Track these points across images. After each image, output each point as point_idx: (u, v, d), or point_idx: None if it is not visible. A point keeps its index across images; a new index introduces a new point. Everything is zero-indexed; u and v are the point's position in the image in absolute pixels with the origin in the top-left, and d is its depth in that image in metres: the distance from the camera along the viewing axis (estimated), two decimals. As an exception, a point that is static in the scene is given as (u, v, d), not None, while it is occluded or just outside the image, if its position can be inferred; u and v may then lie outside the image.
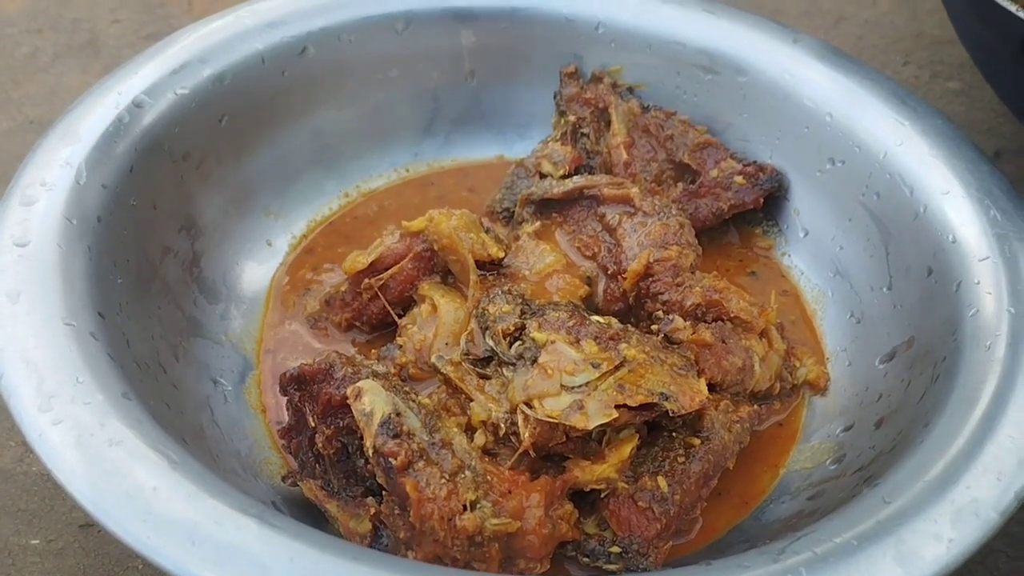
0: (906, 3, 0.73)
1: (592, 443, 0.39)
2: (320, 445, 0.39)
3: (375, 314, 0.46)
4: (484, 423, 0.39)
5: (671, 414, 0.38)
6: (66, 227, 0.40)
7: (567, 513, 0.38)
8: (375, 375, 0.39)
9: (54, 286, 0.37)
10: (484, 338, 0.41)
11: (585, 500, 0.39)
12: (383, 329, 0.46)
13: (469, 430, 0.39)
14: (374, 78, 0.54)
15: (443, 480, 0.36)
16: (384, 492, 0.37)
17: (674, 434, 0.40)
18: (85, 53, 0.71)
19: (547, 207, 0.50)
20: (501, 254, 0.45)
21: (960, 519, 0.32)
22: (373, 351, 0.45)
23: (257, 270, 0.50)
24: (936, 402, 0.37)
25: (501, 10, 0.55)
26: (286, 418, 0.40)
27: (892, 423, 0.40)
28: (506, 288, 0.43)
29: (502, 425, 0.38)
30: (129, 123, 0.45)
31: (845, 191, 0.49)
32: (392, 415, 0.37)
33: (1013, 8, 0.47)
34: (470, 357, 0.41)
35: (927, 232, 0.44)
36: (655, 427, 0.40)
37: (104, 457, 0.33)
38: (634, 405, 0.37)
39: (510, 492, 0.37)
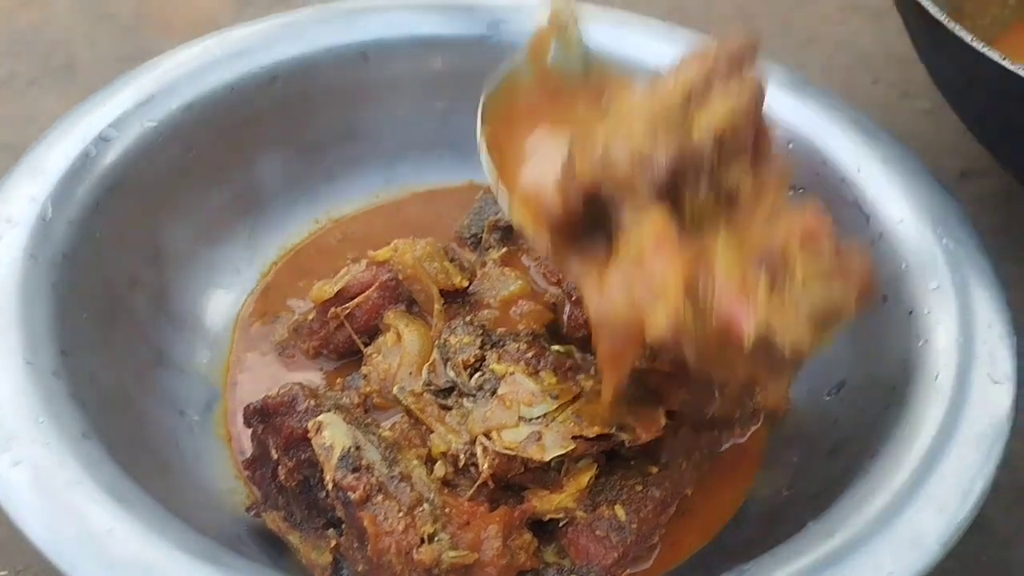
0: (877, 24, 0.74)
1: (551, 473, 0.39)
2: (283, 477, 0.39)
3: (342, 342, 0.46)
4: (444, 454, 0.39)
5: (628, 444, 0.38)
6: (30, 265, 0.40)
7: (526, 543, 0.39)
8: (338, 407, 0.40)
9: (16, 325, 0.38)
10: (445, 369, 0.41)
11: (544, 529, 0.40)
12: (350, 357, 0.47)
13: (430, 461, 0.40)
14: (344, 105, 0.55)
15: (401, 513, 0.37)
16: (344, 525, 0.38)
17: (632, 462, 0.41)
18: (61, 78, 0.71)
19: (514, 233, 0.51)
20: (465, 283, 0.46)
21: (901, 552, 0.33)
22: (339, 380, 0.45)
23: (226, 298, 0.50)
24: (884, 432, 0.38)
25: (470, 38, 0.56)
26: (250, 449, 0.41)
27: (844, 452, 0.40)
28: (468, 319, 0.43)
29: (462, 456, 0.39)
30: (96, 157, 0.45)
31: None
32: (352, 449, 0.38)
33: (968, 38, 0.48)
34: (432, 387, 0.41)
35: (883, 260, 0.45)
36: (614, 455, 0.41)
37: (61, 499, 0.33)
38: (591, 436, 0.38)
39: (468, 523, 0.38)
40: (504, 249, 0.50)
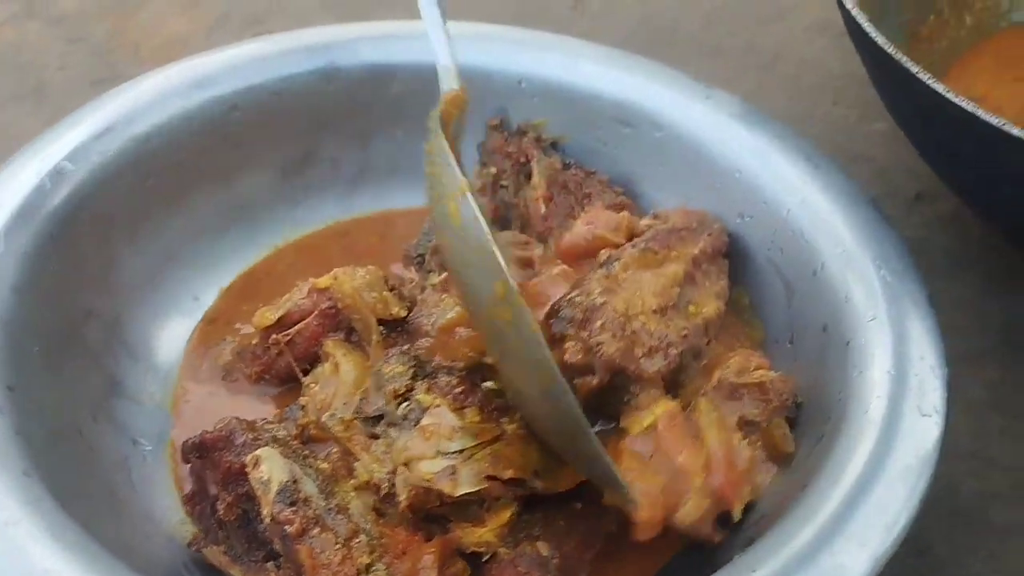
0: (841, 45, 0.74)
1: (473, 507, 0.40)
2: (222, 512, 0.40)
3: (283, 369, 0.47)
4: (367, 483, 0.40)
5: (542, 491, 0.39)
6: (-21, 301, 0.41)
7: (459, 571, 0.40)
8: (275, 440, 0.41)
9: (-39, 364, 0.39)
10: (377, 397, 0.42)
11: (473, 562, 0.40)
12: (292, 383, 0.48)
13: (365, 489, 0.41)
14: (303, 132, 0.56)
15: (338, 545, 0.38)
16: (282, 558, 0.39)
17: (559, 499, 0.41)
18: (32, 100, 0.72)
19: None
20: (403, 313, 0.47)
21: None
22: (278, 412, 0.46)
23: (182, 325, 0.51)
24: (816, 464, 0.39)
25: (426, 65, 0.56)
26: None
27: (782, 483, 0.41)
28: (404, 348, 0.44)
29: (384, 485, 0.40)
30: (51, 190, 0.46)
31: (753, 245, 0.50)
32: (289, 483, 0.39)
33: (915, 69, 0.48)
34: (361, 416, 0.42)
35: (824, 289, 0.45)
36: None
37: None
38: (504, 479, 0.39)
39: (404, 553, 0.39)
40: (445, 274, 0.51)
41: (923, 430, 0.38)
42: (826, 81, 0.72)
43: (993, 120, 0.44)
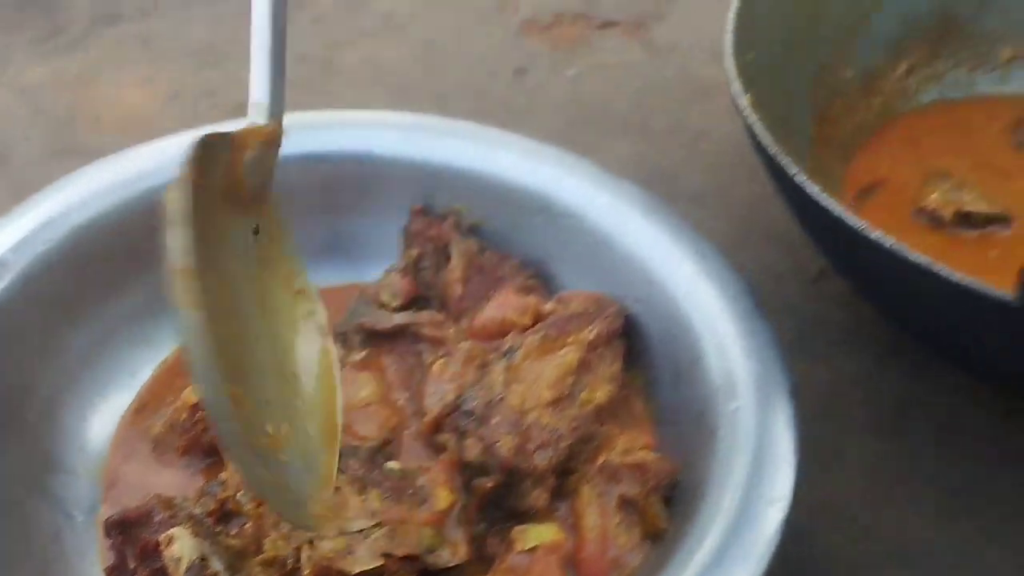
0: (763, 122, 0.79)
1: (374, 580, 0.44)
2: (139, 585, 0.44)
3: (208, 443, 0.51)
4: (274, 559, 0.44)
5: (433, 566, 0.43)
6: (-84, 389, 0.45)
7: (357, 643, 0.43)
8: (190, 518, 0.44)
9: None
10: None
11: (374, 632, 0.44)
12: (217, 456, 0.51)
13: (273, 566, 0.44)
14: (239, 216, 0.60)
15: (241, 618, 0.42)
16: (191, 629, 0.42)
17: (453, 573, 0.45)
18: (-3, 169, 0.76)
19: (376, 337, 0.56)
20: None
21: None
22: (201, 484, 0.50)
23: (119, 400, 0.55)
24: (667, 551, 0.43)
25: (355, 153, 0.61)
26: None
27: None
28: (315, 433, 0.48)
29: (289, 562, 0.43)
30: (-8, 281, 0.50)
31: (648, 329, 0.54)
32: (197, 561, 0.43)
33: (793, 170, 0.52)
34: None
35: (702, 377, 0.50)
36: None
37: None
38: (399, 555, 0.43)
39: (305, 626, 0.43)
40: (365, 352, 0.55)
41: (768, 516, 0.42)
42: (744, 159, 0.76)
43: (859, 226, 0.48)
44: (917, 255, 0.46)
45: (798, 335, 0.64)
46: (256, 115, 0.44)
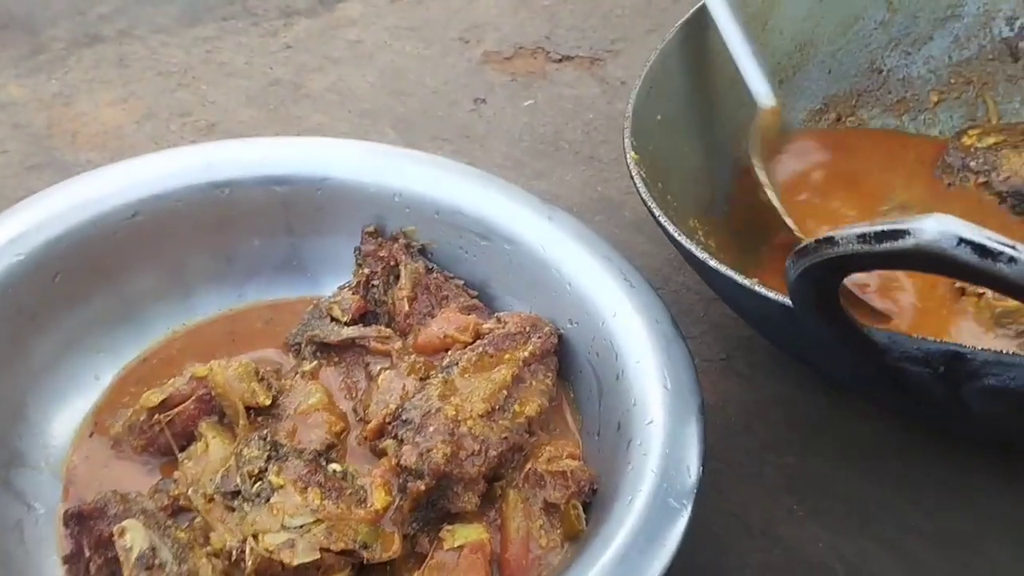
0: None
1: (311, 572, 0.48)
2: (93, 572, 0.48)
3: (164, 444, 0.55)
4: (221, 551, 0.48)
5: (368, 560, 0.47)
6: None
7: (295, 628, 0.47)
8: (143, 512, 0.48)
9: None
10: (236, 475, 0.50)
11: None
12: (171, 455, 0.55)
13: (219, 557, 0.48)
14: (202, 234, 0.64)
15: (185, 604, 0.45)
16: (140, 612, 0.46)
17: (388, 568, 0.49)
18: (-27, 182, 0.80)
19: (327, 348, 0.60)
20: (267, 402, 0.55)
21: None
22: (156, 481, 0.54)
23: (82, 401, 0.59)
24: (584, 544, 0.47)
25: (313, 178, 0.65)
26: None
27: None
28: (263, 434, 0.52)
29: (234, 553, 0.47)
30: (-34, 288, 0.54)
31: (578, 348, 0.59)
32: (147, 550, 0.46)
33: (664, 219, 0.57)
34: (221, 491, 0.50)
35: (622, 393, 0.54)
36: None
37: None
38: (336, 550, 0.46)
39: (245, 612, 0.46)
40: (315, 362, 0.59)
41: (673, 520, 0.47)
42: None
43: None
44: (723, 267, 0.52)
45: (726, 356, 0.69)
46: (766, 100, 0.68)
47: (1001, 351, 0.45)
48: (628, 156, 0.61)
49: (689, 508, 0.47)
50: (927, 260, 0.37)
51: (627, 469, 0.50)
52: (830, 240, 0.40)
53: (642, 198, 0.58)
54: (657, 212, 0.57)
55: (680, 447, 0.50)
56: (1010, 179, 0.69)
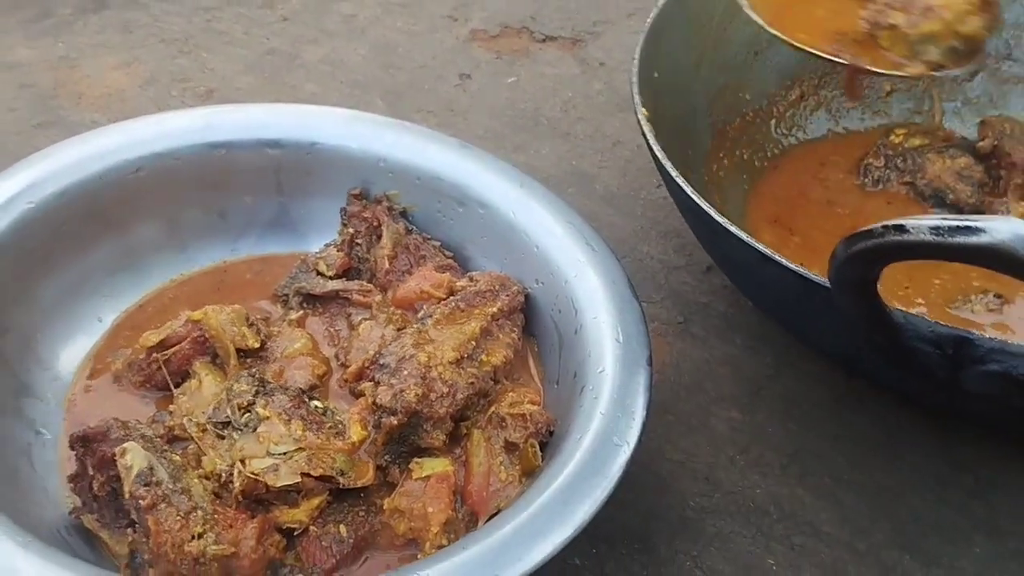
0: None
1: (292, 495, 0.53)
2: (96, 488, 0.53)
3: (160, 380, 0.60)
4: (212, 473, 0.53)
5: (344, 486, 0.53)
6: (-83, 316, 0.54)
7: (276, 542, 0.53)
8: (141, 437, 0.53)
9: None
10: (226, 408, 0.55)
11: (290, 538, 0.54)
12: (167, 391, 0.60)
13: (210, 479, 0.54)
14: (199, 190, 0.69)
15: (178, 517, 0.51)
16: (137, 525, 0.51)
17: (362, 494, 0.55)
18: (-17, 137, 0.85)
19: (312, 300, 0.65)
20: (256, 345, 0.60)
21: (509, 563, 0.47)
22: (152, 413, 0.59)
23: (86, 340, 0.64)
24: (533, 481, 0.52)
25: (303, 142, 0.70)
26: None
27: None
28: (252, 372, 0.57)
29: (223, 475, 0.53)
30: (-18, 232, 0.59)
31: (544, 305, 0.64)
32: (145, 469, 0.51)
33: (673, 172, 0.62)
34: (212, 421, 0.55)
35: (579, 345, 0.59)
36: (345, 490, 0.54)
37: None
38: (315, 475, 0.52)
39: (231, 526, 0.52)
40: (301, 312, 0.64)
41: (615, 455, 0.52)
42: (653, 167, 0.85)
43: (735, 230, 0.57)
44: (762, 245, 0.55)
45: (684, 319, 0.74)
46: None
47: (1007, 340, 0.49)
48: (639, 112, 0.65)
49: (631, 446, 0.53)
50: (997, 258, 0.39)
51: (579, 411, 0.55)
52: (900, 227, 0.42)
53: (655, 156, 0.62)
54: (672, 171, 0.61)
55: (627, 393, 0.55)
56: (933, 182, 0.75)
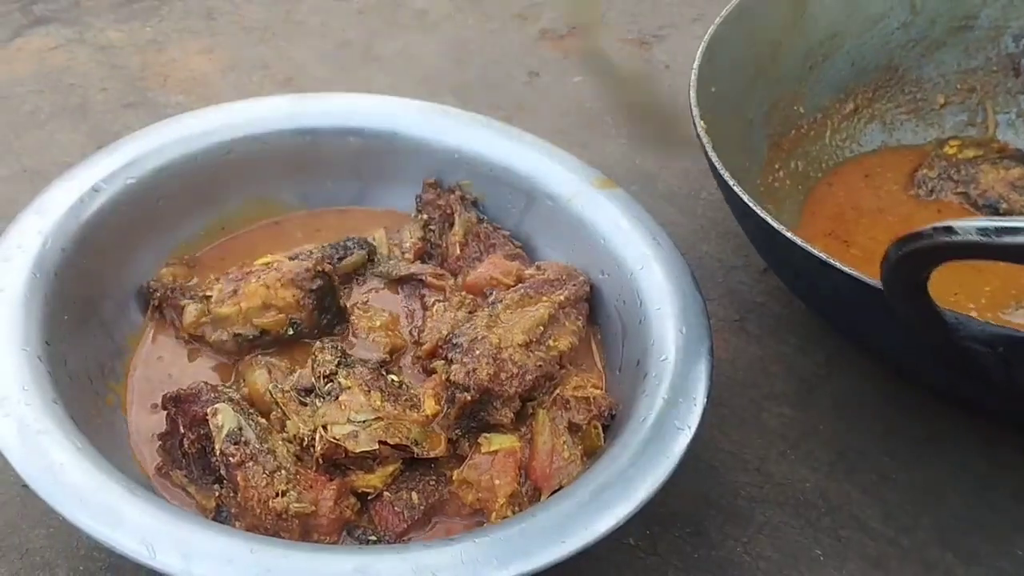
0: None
1: (368, 461, 0.56)
2: (186, 446, 0.57)
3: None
4: (295, 437, 0.57)
5: (418, 455, 0.56)
6: (31, 279, 0.58)
7: (351, 504, 0.56)
8: (230, 400, 0.57)
9: (18, 321, 0.56)
10: (311, 375, 0.59)
11: (364, 502, 0.57)
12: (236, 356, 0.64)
13: (292, 442, 0.57)
14: (284, 172, 0.72)
15: (264, 475, 0.54)
16: (225, 480, 0.55)
17: (433, 465, 0.58)
18: (75, 115, 0.89)
19: (392, 280, 0.69)
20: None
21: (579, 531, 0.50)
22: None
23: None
24: (596, 461, 0.56)
25: (384, 132, 0.73)
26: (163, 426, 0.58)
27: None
28: (334, 343, 0.61)
29: (306, 439, 0.56)
30: (88, 203, 0.63)
31: (608, 295, 0.67)
32: (235, 429, 0.55)
33: (732, 182, 0.65)
34: (297, 387, 0.59)
35: (643, 335, 0.62)
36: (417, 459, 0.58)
37: (34, 442, 0.51)
38: (392, 444, 0.55)
39: (312, 487, 0.55)
40: (382, 291, 0.68)
41: (677, 438, 0.55)
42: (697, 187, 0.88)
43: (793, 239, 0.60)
44: (816, 249, 0.58)
45: (739, 317, 0.77)
46: None
47: None
48: (697, 124, 0.67)
49: (692, 430, 0.56)
50: None
51: (642, 396, 0.58)
52: (948, 229, 0.43)
53: (713, 166, 0.65)
54: (730, 181, 0.63)
55: (688, 380, 0.58)
56: (986, 192, 0.77)
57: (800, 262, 0.61)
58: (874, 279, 0.55)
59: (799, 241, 0.59)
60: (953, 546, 0.64)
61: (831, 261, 0.57)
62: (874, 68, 0.82)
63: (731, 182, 0.64)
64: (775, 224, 0.61)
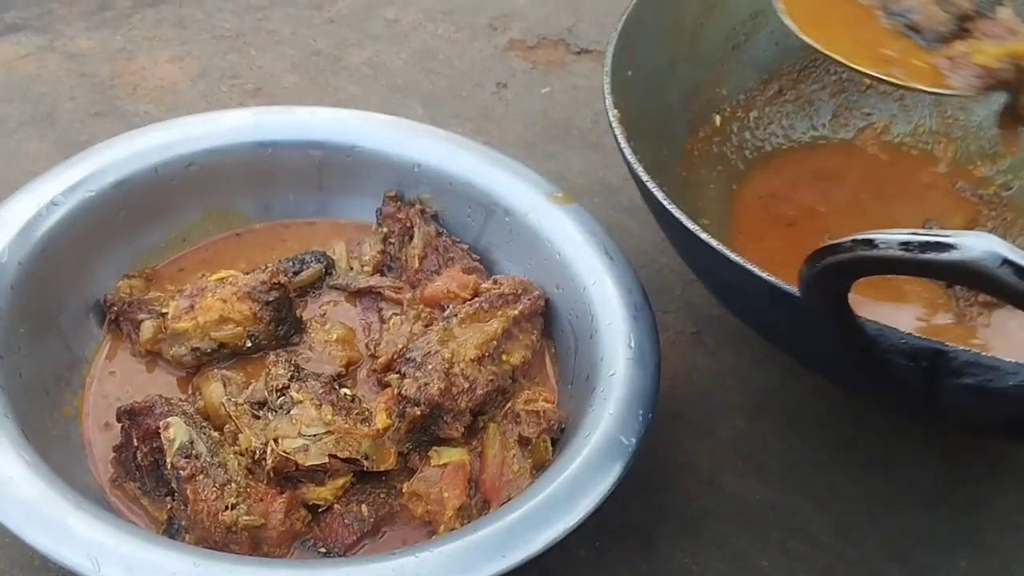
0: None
1: (319, 474, 0.57)
2: (139, 458, 0.57)
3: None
4: (247, 450, 0.57)
5: (368, 468, 0.57)
6: (-14, 293, 0.59)
7: (302, 516, 0.57)
8: (183, 413, 0.58)
9: (-30, 335, 0.57)
10: (263, 390, 0.60)
11: (315, 514, 0.58)
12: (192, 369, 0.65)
13: (244, 455, 0.58)
14: (246, 185, 0.73)
15: (215, 488, 0.55)
16: (176, 493, 0.56)
17: (383, 478, 0.59)
18: (43, 124, 0.89)
19: (349, 293, 0.70)
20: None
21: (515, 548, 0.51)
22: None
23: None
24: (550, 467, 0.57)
25: (345, 145, 0.74)
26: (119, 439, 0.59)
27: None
28: (288, 357, 0.62)
29: (257, 452, 0.57)
30: (46, 216, 0.64)
31: (562, 309, 0.68)
32: (187, 442, 0.56)
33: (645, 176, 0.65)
34: (251, 400, 0.59)
35: (593, 350, 0.63)
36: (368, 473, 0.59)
37: (-17, 456, 0.52)
38: (342, 457, 0.56)
39: (262, 500, 0.56)
40: (339, 304, 0.69)
41: (622, 451, 0.56)
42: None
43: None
44: (735, 255, 0.54)
45: (696, 330, 0.78)
46: None
47: (981, 353, 0.48)
48: (610, 113, 0.64)
49: (636, 444, 0.56)
50: (968, 275, 0.38)
51: (589, 411, 0.59)
52: (869, 242, 0.41)
53: (626, 160, 0.63)
54: (644, 177, 0.61)
55: (635, 396, 0.59)
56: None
57: (713, 263, 0.57)
58: (792, 286, 0.51)
59: (713, 242, 0.55)
60: (901, 558, 0.65)
61: (745, 264, 0.54)
62: (799, 47, 0.74)
63: (644, 177, 0.61)
64: (690, 225, 0.57)
